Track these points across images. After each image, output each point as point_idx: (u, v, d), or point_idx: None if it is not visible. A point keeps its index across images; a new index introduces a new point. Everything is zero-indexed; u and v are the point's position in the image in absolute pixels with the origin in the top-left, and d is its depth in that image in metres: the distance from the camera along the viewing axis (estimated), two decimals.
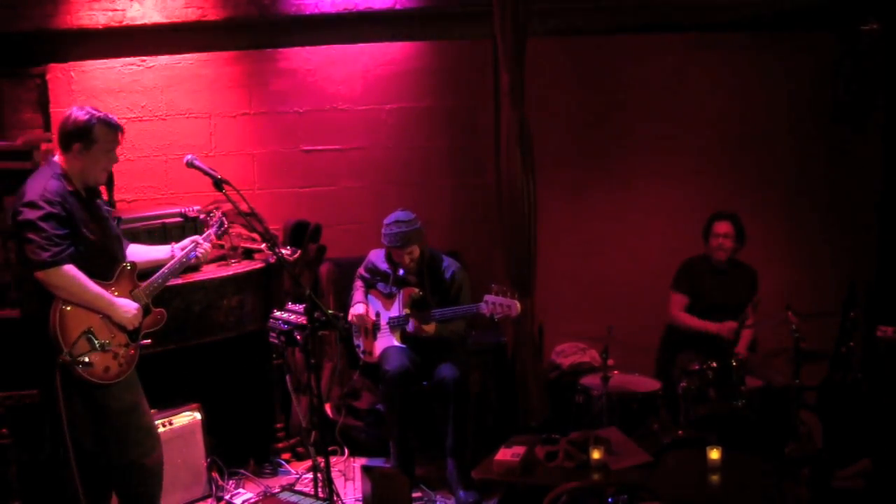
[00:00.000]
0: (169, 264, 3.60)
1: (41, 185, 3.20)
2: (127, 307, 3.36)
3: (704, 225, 4.97)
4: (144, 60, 5.48)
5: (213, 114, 5.57)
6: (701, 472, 3.72)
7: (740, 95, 5.65)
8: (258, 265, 4.69)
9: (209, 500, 4.32)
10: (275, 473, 4.69)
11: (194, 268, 4.24)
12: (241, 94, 5.57)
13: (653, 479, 3.65)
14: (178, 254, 3.64)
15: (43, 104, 5.49)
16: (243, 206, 3.61)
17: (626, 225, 5.74)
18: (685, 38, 5.60)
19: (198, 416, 4.33)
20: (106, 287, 3.32)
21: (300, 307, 4.05)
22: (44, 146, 4.92)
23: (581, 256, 5.73)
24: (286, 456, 4.84)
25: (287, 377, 4.74)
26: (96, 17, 5.25)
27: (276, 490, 4.35)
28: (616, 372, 4.65)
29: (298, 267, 4.82)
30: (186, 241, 3.72)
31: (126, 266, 3.44)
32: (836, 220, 5.71)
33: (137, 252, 3.65)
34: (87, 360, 3.20)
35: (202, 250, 3.71)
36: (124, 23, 5.26)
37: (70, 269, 3.17)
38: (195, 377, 4.47)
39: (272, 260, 4.65)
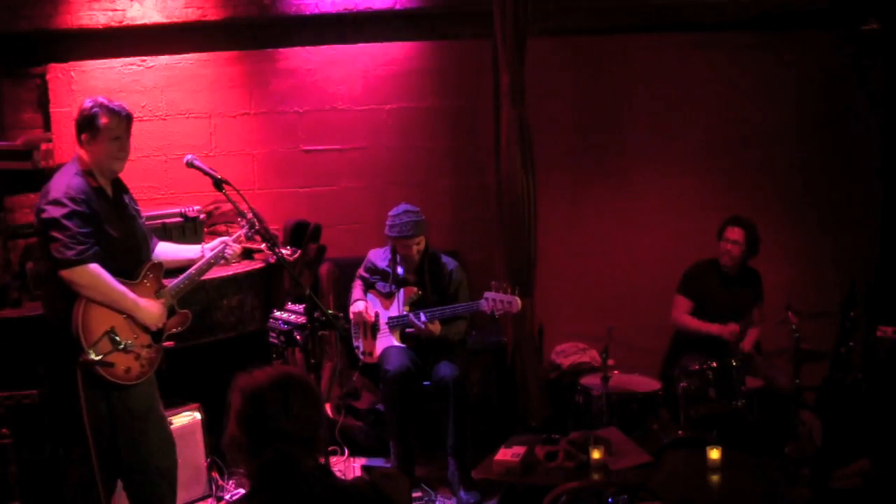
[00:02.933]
0: (197, 265, 3.56)
1: (65, 183, 3.19)
2: (151, 307, 3.34)
3: (720, 226, 4.89)
4: (144, 60, 5.47)
5: (213, 114, 5.56)
6: (701, 472, 3.71)
7: (740, 95, 5.65)
8: (258, 265, 4.69)
9: (209, 500, 4.32)
10: None
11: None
12: (241, 94, 5.57)
13: (653, 479, 3.65)
14: (208, 254, 3.62)
15: (43, 104, 5.48)
16: (243, 206, 3.61)
17: (626, 225, 5.74)
18: (685, 38, 5.60)
19: (198, 416, 4.33)
20: (131, 286, 3.30)
21: (300, 307, 4.04)
22: (44, 146, 4.92)
23: (581, 256, 5.72)
24: None
25: None
26: (96, 17, 5.25)
27: None
28: (616, 372, 4.65)
29: (298, 267, 4.82)
30: (216, 242, 3.70)
31: (152, 265, 3.42)
32: (836, 219, 5.71)
33: (166, 251, 3.64)
34: (108, 360, 3.18)
35: (231, 251, 3.68)
36: (124, 23, 5.26)
37: (95, 267, 3.16)
38: (195, 377, 4.46)
39: (272, 260, 4.63)
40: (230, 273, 4.51)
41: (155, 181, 5.53)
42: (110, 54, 5.44)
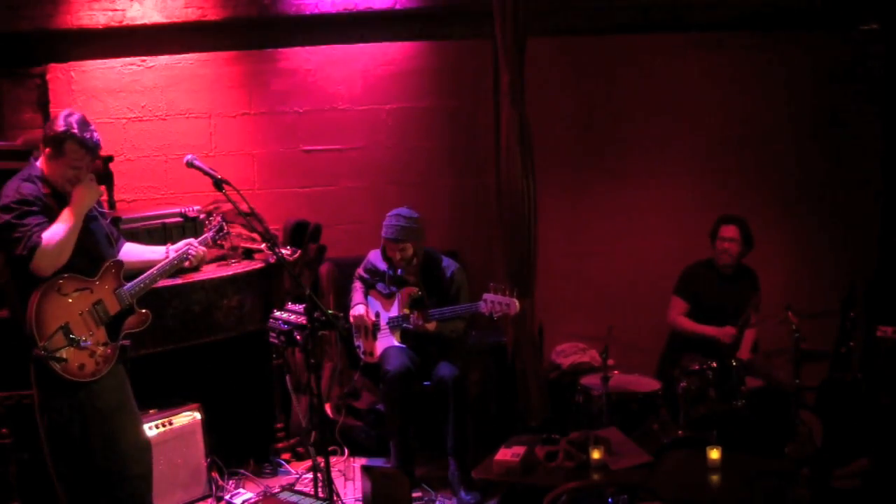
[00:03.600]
0: (158, 265, 3.54)
1: (14, 189, 3.19)
2: (79, 189, 3.25)
3: (711, 227, 4.91)
4: (144, 60, 5.48)
5: (213, 114, 5.57)
6: (701, 472, 3.72)
7: (740, 95, 5.65)
8: (258, 265, 4.69)
9: (209, 500, 4.32)
10: (275, 473, 4.69)
11: (195, 268, 4.23)
12: (241, 94, 5.57)
13: (653, 479, 3.65)
14: (172, 255, 3.60)
15: (43, 104, 5.48)
16: (243, 206, 3.61)
17: (626, 225, 5.74)
18: (685, 38, 5.60)
19: (198, 416, 4.32)
20: (89, 283, 3.28)
21: (300, 307, 4.04)
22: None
23: (581, 256, 5.73)
24: (286, 456, 4.84)
25: (287, 377, 4.74)
26: (96, 17, 5.25)
27: (276, 490, 4.35)
28: (616, 372, 4.65)
29: (298, 267, 4.82)
30: (181, 244, 3.68)
31: (112, 262, 3.39)
32: (836, 219, 5.71)
33: (132, 251, 3.62)
34: (61, 355, 3.14)
35: (195, 251, 3.65)
36: (124, 23, 5.26)
37: (44, 236, 3.12)
38: (195, 377, 4.47)
39: (272, 260, 4.65)
40: (230, 273, 4.51)
41: (155, 181, 5.53)
42: (110, 54, 5.44)
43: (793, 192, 5.72)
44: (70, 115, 3.25)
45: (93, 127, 3.29)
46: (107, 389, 3.31)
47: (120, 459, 3.31)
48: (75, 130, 3.20)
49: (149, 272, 3.51)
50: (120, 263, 3.42)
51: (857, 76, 5.61)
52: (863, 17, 5.49)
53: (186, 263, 3.65)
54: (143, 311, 3.47)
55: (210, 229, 3.80)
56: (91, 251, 3.34)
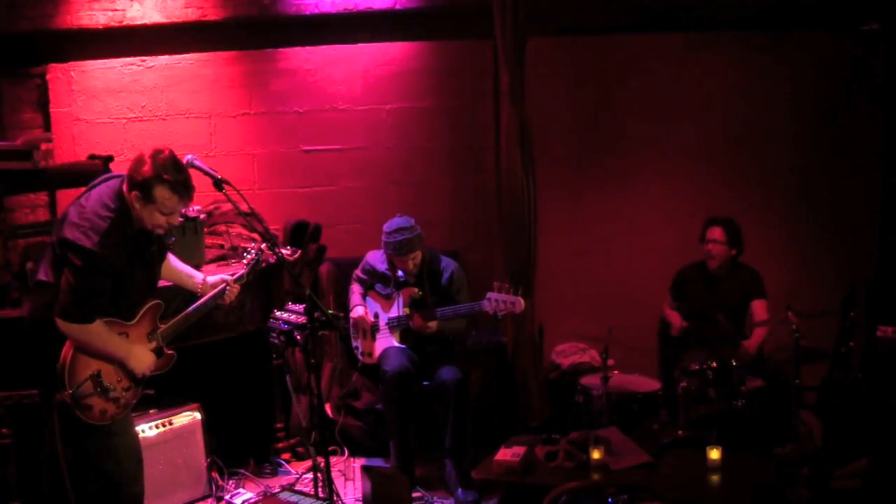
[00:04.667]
0: (194, 305, 3.41)
1: (102, 229, 2.96)
2: (141, 357, 3.21)
3: (700, 230, 4.93)
4: (144, 60, 5.48)
5: (213, 114, 5.57)
6: (701, 472, 3.72)
7: (740, 95, 5.65)
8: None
9: (209, 500, 4.32)
10: (275, 473, 4.69)
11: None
12: (241, 94, 5.57)
13: (653, 479, 3.65)
14: (208, 292, 3.45)
15: (43, 104, 5.49)
16: (243, 206, 3.60)
17: (626, 225, 5.73)
18: (685, 38, 5.60)
19: (198, 416, 4.32)
20: (127, 328, 3.18)
21: (300, 307, 4.05)
22: (44, 146, 4.91)
23: (581, 256, 5.73)
24: (286, 456, 4.84)
25: (287, 377, 4.74)
26: (96, 17, 5.25)
27: (276, 490, 4.35)
28: (616, 372, 4.65)
29: (298, 267, 4.82)
30: (217, 279, 3.52)
31: (151, 305, 3.26)
32: (836, 219, 5.70)
33: (171, 271, 3.48)
34: (87, 402, 3.07)
35: (230, 291, 3.49)
36: (124, 23, 5.26)
37: (96, 326, 3.03)
38: (195, 377, 4.46)
39: (272, 260, 4.64)
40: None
41: None
42: (110, 54, 5.44)
43: (793, 192, 5.72)
44: (159, 154, 3.04)
45: (184, 165, 3.13)
46: (114, 430, 3.21)
47: (127, 476, 3.24)
48: (168, 174, 3.00)
49: (185, 313, 3.39)
50: (159, 306, 3.30)
51: (857, 76, 5.60)
52: (863, 17, 5.48)
53: (220, 301, 3.49)
54: (170, 352, 3.37)
55: (246, 264, 3.61)
56: (132, 296, 3.20)
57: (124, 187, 3.07)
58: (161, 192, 3.02)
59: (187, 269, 3.60)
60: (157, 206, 3.04)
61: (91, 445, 3.16)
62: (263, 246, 3.61)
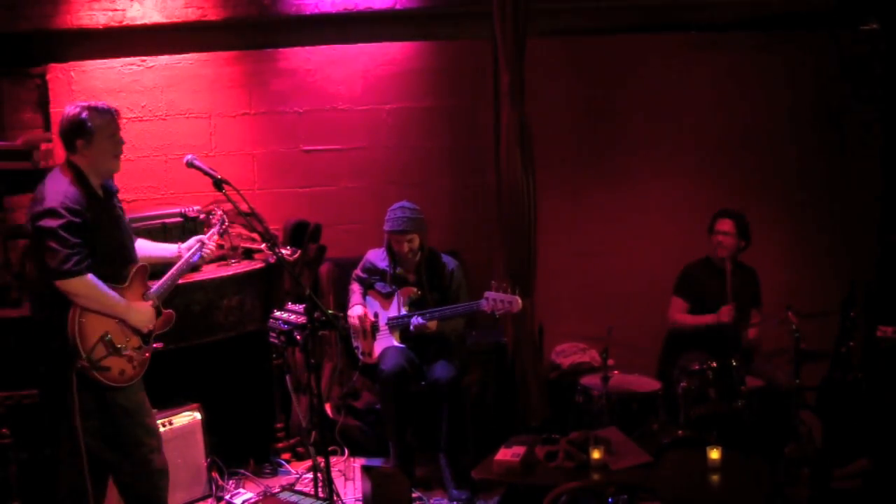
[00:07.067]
0: (177, 265, 3.61)
1: (62, 192, 3.17)
2: (142, 310, 3.38)
3: (709, 221, 4.94)
4: (144, 60, 5.47)
5: (213, 114, 5.56)
6: (701, 472, 3.72)
7: (740, 95, 5.65)
8: (258, 265, 4.69)
9: (209, 500, 4.33)
10: (275, 473, 4.69)
11: (195, 268, 4.24)
12: (241, 94, 5.57)
13: (653, 479, 3.66)
14: (185, 254, 3.66)
15: (43, 104, 5.48)
16: (243, 206, 3.61)
17: (626, 225, 5.73)
18: (685, 38, 5.60)
19: (198, 416, 4.33)
20: (120, 290, 3.33)
21: (300, 307, 4.05)
22: (44, 146, 4.92)
23: (581, 256, 5.72)
24: (286, 456, 4.84)
25: (287, 377, 4.74)
26: (96, 17, 5.24)
27: (276, 490, 4.35)
28: (616, 372, 4.65)
29: (298, 267, 4.83)
30: (192, 241, 3.74)
31: (138, 268, 3.43)
32: (836, 219, 5.71)
33: (144, 248, 3.66)
34: (104, 364, 3.22)
35: (207, 250, 3.74)
36: (124, 23, 5.26)
37: (91, 278, 3.18)
38: (195, 377, 4.47)
39: (272, 260, 4.65)
40: (230, 273, 4.51)
41: (155, 181, 5.53)
42: (110, 54, 5.44)
43: (793, 192, 5.72)
44: (72, 103, 3.33)
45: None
46: (132, 390, 3.38)
47: (141, 451, 3.37)
48: (88, 104, 3.30)
49: (169, 273, 3.57)
50: (146, 268, 3.48)
51: (857, 76, 5.60)
52: (863, 17, 5.48)
53: (198, 260, 3.72)
54: (168, 311, 3.55)
55: (214, 224, 3.88)
56: (119, 257, 3.38)
57: (68, 158, 3.31)
58: (93, 118, 3.27)
59: (160, 245, 3.78)
60: (99, 134, 3.28)
61: (114, 409, 3.29)
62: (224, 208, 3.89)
